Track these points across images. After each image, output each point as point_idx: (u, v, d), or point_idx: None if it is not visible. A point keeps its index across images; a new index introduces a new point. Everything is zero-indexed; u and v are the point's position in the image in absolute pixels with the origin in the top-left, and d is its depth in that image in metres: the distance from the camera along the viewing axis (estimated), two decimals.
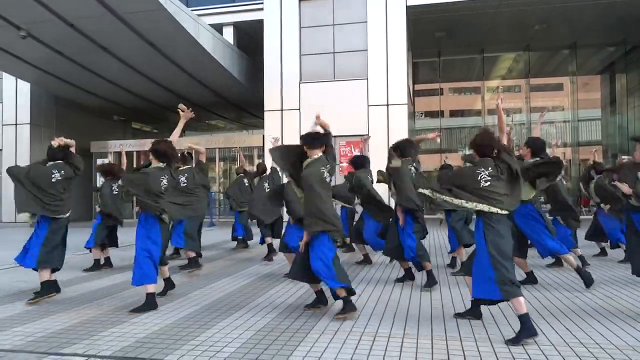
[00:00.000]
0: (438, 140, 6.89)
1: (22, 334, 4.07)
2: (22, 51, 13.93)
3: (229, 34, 17.21)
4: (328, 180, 4.51)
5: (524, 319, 3.66)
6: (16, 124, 17.75)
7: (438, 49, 20.39)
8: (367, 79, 15.21)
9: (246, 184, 9.28)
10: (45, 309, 4.91)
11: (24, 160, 17.34)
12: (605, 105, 21.63)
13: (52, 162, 5.34)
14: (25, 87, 17.64)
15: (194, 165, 7.56)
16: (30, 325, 4.31)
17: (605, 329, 3.99)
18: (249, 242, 9.96)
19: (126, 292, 5.67)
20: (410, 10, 15.25)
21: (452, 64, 22.39)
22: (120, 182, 7.09)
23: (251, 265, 7.61)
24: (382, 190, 7.30)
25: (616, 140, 20.30)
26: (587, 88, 21.67)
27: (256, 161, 18.71)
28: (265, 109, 15.90)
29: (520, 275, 6.25)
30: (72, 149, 5.62)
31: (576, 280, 6.08)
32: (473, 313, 4.33)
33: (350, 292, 4.45)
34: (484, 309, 4.62)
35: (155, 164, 5.01)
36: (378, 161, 8.44)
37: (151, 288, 4.79)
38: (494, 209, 3.83)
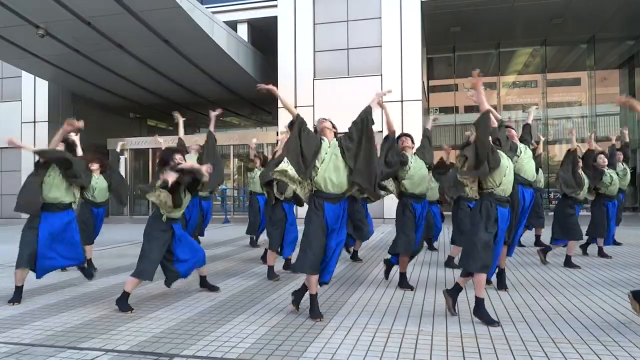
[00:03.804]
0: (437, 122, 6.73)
1: (41, 328, 4.14)
2: (40, 50, 14.13)
3: (243, 31, 17.26)
4: None
5: None
6: (35, 122, 18.02)
7: (453, 44, 20.21)
8: (381, 75, 15.14)
9: None
10: (64, 304, 4.99)
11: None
12: None
13: None
14: (43, 85, 17.89)
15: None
16: (50, 320, 4.39)
17: (623, 326, 3.94)
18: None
19: (142, 289, 5.74)
20: (425, 5, 15.15)
21: (468, 59, 22.16)
22: None
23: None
24: None
25: (635, 135, 19.93)
26: (605, 83, 21.30)
27: (270, 158, 18.76)
28: (279, 106, 15.89)
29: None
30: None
31: (592, 276, 6.02)
32: None
33: None
34: (500, 308, 4.60)
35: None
36: None
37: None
38: None
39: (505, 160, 4.30)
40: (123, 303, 4.64)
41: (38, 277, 5.22)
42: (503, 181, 4.23)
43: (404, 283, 5.47)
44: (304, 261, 4.19)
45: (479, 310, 4.12)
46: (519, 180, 5.19)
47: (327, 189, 4.27)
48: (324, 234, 4.25)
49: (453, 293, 4.35)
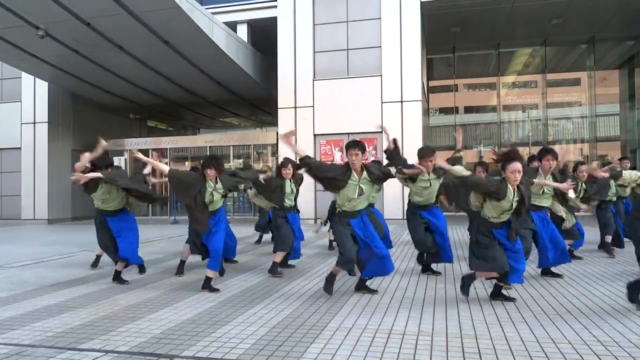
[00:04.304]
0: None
1: (41, 329, 4.14)
2: (40, 50, 14.11)
3: (243, 31, 17.26)
4: None
5: None
6: (34, 123, 17.98)
7: (453, 45, 20.22)
8: (381, 75, 15.14)
9: None
10: (64, 305, 4.99)
11: (42, 159, 17.61)
12: (623, 100, 21.25)
13: None
14: (43, 86, 17.86)
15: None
16: (50, 321, 4.39)
17: (623, 326, 3.94)
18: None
19: (142, 289, 5.74)
20: (425, 6, 15.14)
21: (467, 59, 22.16)
22: None
23: (267, 262, 7.63)
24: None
25: (635, 135, 19.92)
26: (605, 83, 21.30)
27: (270, 158, 18.81)
28: (278, 107, 15.91)
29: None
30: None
31: (591, 276, 6.01)
32: None
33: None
34: (500, 308, 4.61)
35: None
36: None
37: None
38: None
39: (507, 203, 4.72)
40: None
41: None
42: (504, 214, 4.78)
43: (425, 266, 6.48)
44: (343, 260, 5.15)
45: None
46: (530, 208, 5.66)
47: (347, 208, 5.18)
48: (350, 237, 5.13)
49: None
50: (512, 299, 4.85)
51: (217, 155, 5.88)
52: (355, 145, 5.08)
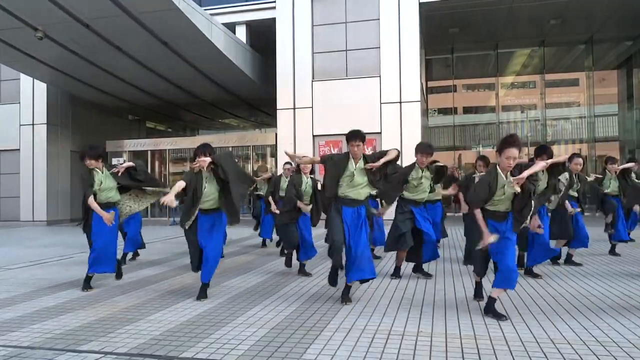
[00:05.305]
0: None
1: (40, 331, 4.13)
2: (39, 52, 14.11)
3: (241, 32, 17.26)
4: None
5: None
6: (33, 124, 17.98)
7: (451, 45, 20.25)
8: (380, 76, 15.16)
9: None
10: (62, 307, 4.98)
11: (41, 160, 17.61)
12: (622, 100, 21.30)
13: None
14: (41, 87, 17.86)
15: None
16: (48, 323, 4.38)
17: (622, 327, 3.94)
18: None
19: (141, 291, 5.73)
20: (423, 7, 15.16)
21: (466, 60, 22.20)
22: None
23: (267, 263, 7.64)
24: None
25: (633, 136, 19.97)
26: (603, 83, 21.34)
27: (269, 159, 18.81)
28: (277, 107, 15.92)
29: None
30: None
31: (590, 276, 6.02)
32: None
33: None
34: (499, 309, 4.60)
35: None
36: None
37: None
38: None
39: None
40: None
41: None
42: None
43: (395, 273, 6.27)
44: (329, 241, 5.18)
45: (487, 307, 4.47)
46: None
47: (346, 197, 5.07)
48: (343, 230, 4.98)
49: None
50: (502, 317, 4.27)
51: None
52: (356, 136, 4.99)
